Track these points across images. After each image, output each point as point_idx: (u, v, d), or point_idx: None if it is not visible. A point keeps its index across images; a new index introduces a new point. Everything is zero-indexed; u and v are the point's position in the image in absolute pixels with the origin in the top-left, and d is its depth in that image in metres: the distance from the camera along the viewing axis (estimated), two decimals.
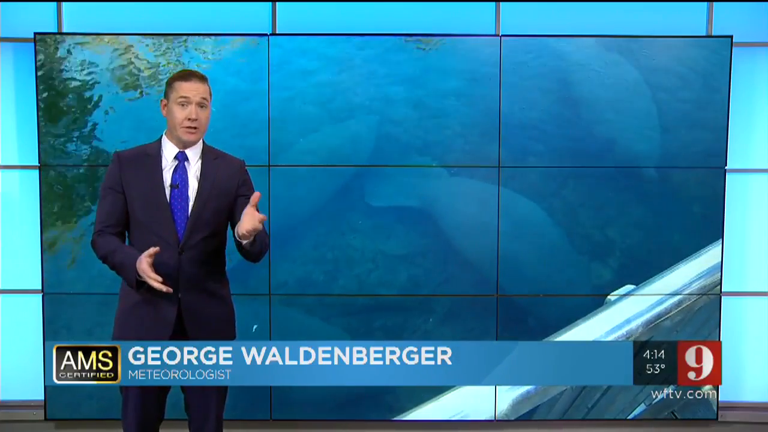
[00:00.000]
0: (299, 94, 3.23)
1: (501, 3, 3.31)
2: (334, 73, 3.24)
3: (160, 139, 2.26)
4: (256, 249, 2.18)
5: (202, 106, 2.20)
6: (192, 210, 2.19)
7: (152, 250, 2.06)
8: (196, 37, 3.21)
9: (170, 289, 2.08)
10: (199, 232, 2.19)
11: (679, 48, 3.26)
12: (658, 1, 3.32)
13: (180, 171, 2.21)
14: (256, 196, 2.08)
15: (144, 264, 2.06)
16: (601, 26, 3.31)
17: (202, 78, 2.24)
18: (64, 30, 3.28)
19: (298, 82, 3.23)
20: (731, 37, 3.25)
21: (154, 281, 2.05)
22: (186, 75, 2.23)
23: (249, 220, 2.06)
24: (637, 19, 3.32)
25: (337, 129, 3.25)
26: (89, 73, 3.21)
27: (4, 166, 3.35)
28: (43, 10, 3.29)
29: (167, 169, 2.21)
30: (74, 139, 3.22)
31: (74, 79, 3.21)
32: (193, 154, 2.24)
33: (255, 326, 3.24)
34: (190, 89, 2.18)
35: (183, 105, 2.18)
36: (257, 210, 2.08)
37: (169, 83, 2.23)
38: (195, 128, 2.20)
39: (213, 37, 3.21)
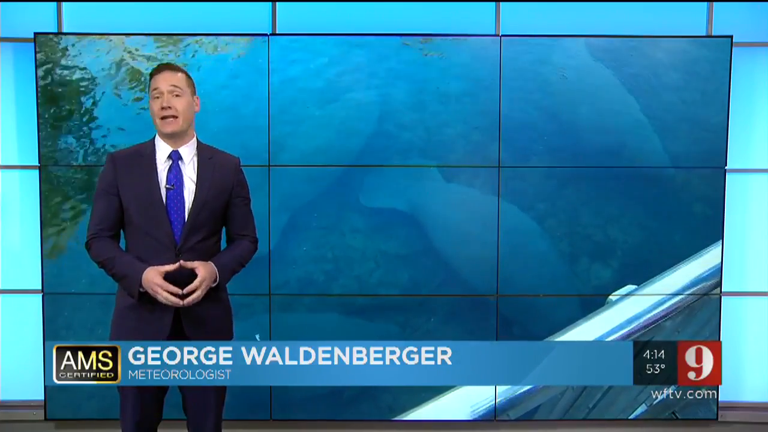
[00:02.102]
0: (299, 95, 3.23)
1: (501, 3, 3.31)
2: (335, 74, 3.23)
3: (153, 139, 2.24)
4: (235, 268, 2.28)
5: (176, 95, 2.18)
6: (189, 212, 2.17)
7: (169, 267, 2.09)
8: (196, 36, 3.21)
9: (179, 302, 2.09)
10: (197, 234, 2.17)
11: (679, 48, 3.26)
12: (658, 1, 3.32)
13: (174, 171, 2.19)
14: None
15: (159, 278, 2.07)
16: (601, 26, 3.31)
17: (174, 68, 2.23)
18: (64, 30, 3.28)
19: (298, 83, 3.23)
20: (731, 37, 3.25)
21: (172, 296, 2.07)
22: (157, 68, 2.23)
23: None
24: (638, 19, 3.32)
25: (337, 129, 3.25)
26: (89, 73, 3.21)
27: (4, 166, 3.35)
28: (43, 10, 3.29)
29: (161, 169, 2.19)
30: (74, 139, 3.22)
31: (74, 79, 3.21)
32: (187, 153, 2.22)
33: (257, 335, 3.23)
34: (160, 80, 2.18)
35: (157, 97, 2.18)
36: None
37: (148, 83, 2.24)
38: (172, 117, 2.17)
39: (213, 37, 3.21)
